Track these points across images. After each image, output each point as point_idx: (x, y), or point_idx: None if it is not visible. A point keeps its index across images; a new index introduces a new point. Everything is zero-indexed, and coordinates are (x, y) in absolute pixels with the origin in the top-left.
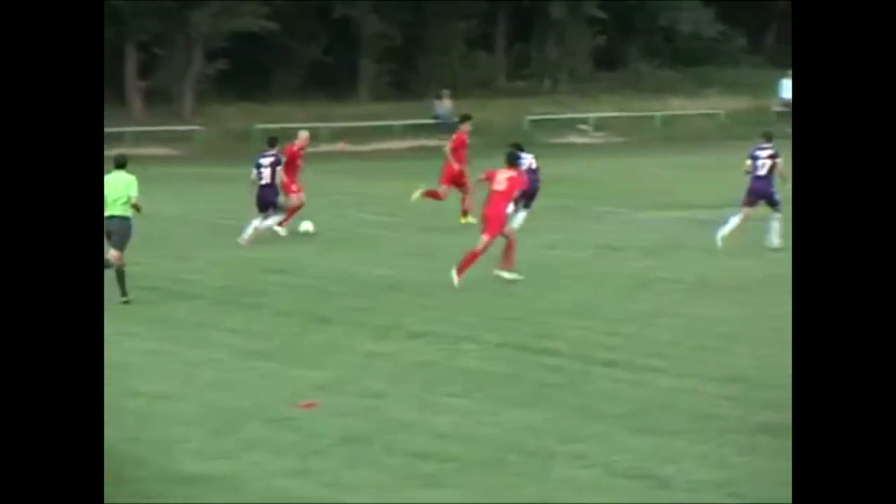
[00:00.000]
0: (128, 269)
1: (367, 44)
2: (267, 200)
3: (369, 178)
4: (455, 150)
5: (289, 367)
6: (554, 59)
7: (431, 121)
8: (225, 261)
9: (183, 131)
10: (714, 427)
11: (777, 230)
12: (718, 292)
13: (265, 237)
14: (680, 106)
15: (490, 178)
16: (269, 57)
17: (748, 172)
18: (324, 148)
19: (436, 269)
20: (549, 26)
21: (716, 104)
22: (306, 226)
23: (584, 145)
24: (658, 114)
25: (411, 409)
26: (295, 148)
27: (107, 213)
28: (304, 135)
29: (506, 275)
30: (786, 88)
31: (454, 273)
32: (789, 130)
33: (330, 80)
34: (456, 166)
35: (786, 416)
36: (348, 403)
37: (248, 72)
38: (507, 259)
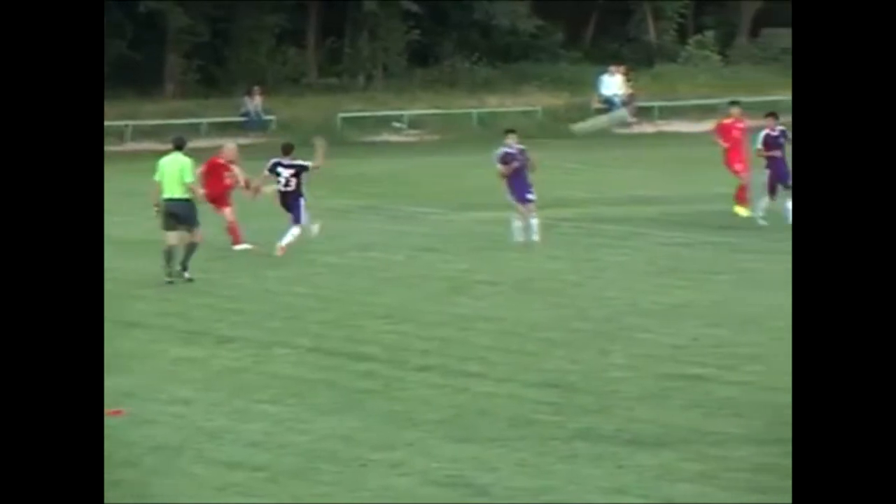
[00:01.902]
0: None
1: (174, 38)
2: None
3: None
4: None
5: None
6: (367, 54)
7: (240, 118)
8: None
9: None
10: (532, 433)
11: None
12: (537, 295)
13: None
14: (497, 103)
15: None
16: None
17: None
18: (130, 146)
19: (244, 272)
20: (362, 20)
21: (534, 101)
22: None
23: (398, 144)
24: (475, 111)
25: (221, 417)
26: (220, 161)
27: (165, 195)
28: (230, 147)
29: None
30: (605, 84)
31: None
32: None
33: (135, 77)
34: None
35: (603, 422)
36: (156, 411)
37: None
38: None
